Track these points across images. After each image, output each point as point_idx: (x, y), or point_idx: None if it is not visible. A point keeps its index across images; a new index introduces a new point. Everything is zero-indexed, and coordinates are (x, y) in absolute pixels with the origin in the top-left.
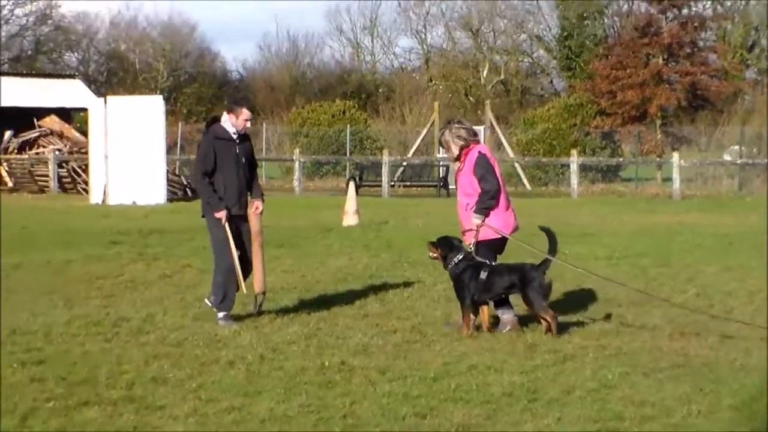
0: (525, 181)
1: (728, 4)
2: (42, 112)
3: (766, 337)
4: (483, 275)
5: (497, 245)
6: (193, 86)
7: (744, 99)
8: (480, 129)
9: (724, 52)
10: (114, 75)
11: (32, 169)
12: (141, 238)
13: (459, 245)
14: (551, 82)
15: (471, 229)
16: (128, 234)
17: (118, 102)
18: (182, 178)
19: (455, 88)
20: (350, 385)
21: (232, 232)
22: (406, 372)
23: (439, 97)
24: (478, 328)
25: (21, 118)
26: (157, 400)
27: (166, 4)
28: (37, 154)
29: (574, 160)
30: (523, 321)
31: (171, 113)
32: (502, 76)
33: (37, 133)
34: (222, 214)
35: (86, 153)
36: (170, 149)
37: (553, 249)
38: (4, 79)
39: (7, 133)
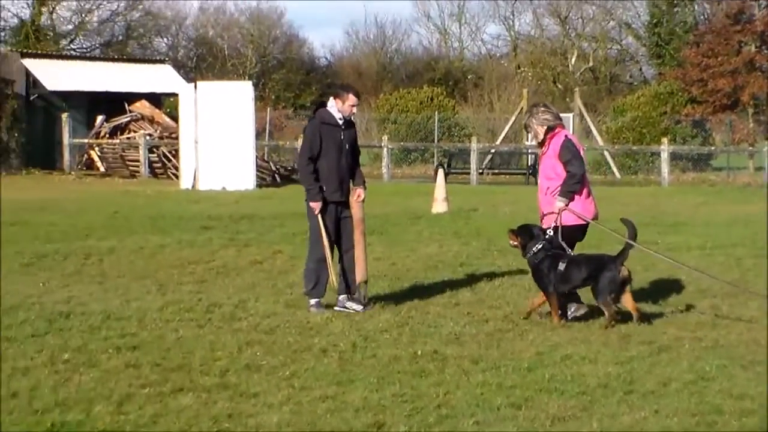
0: (614, 170)
1: None
2: (133, 97)
3: None
4: (561, 266)
5: (578, 231)
6: (281, 72)
7: None
8: (569, 116)
9: None
10: (203, 60)
11: (123, 154)
12: (232, 224)
13: (539, 234)
14: (640, 69)
15: (551, 213)
16: (219, 219)
17: (208, 87)
18: (271, 164)
19: (543, 75)
20: (443, 374)
21: (332, 220)
22: (499, 362)
23: (527, 84)
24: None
25: (112, 103)
26: (251, 388)
27: None
28: (128, 139)
29: (665, 149)
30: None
31: (259, 99)
32: (591, 64)
33: (128, 118)
34: (317, 206)
35: (176, 138)
36: (259, 135)
37: (632, 238)
38: (97, 64)
39: (99, 118)
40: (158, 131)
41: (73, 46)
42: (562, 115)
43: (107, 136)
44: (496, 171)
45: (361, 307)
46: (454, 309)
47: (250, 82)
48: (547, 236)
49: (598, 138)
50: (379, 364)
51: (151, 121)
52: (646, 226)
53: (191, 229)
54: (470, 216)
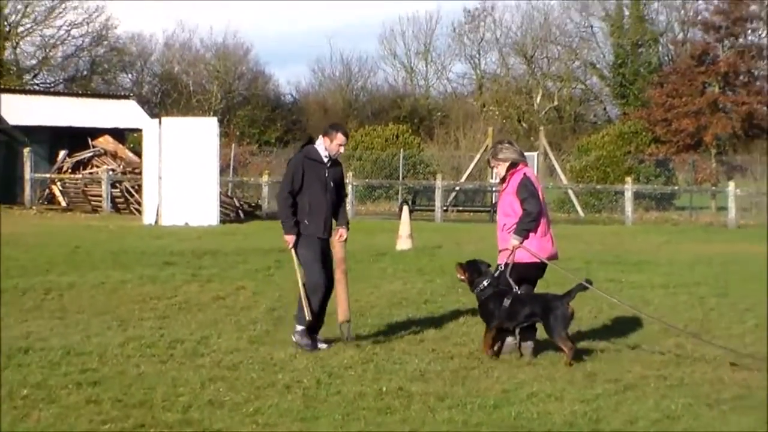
0: (578, 208)
1: None
2: (96, 132)
3: None
4: (506, 302)
5: (534, 269)
6: (246, 108)
7: None
8: (533, 155)
9: None
10: (167, 96)
11: (86, 188)
12: (194, 260)
13: (486, 270)
14: (605, 109)
15: (506, 249)
16: (181, 255)
17: (173, 123)
18: (235, 200)
19: (508, 114)
20: (409, 411)
21: (318, 254)
22: (465, 399)
23: (492, 123)
24: (498, 353)
25: (75, 138)
26: (214, 424)
27: (220, 26)
28: (90, 173)
29: (629, 188)
30: (581, 350)
31: (224, 135)
32: (556, 103)
33: (91, 153)
34: (291, 239)
35: (139, 173)
36: (223, 171)
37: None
38: (60, 98)
39: (62, 153)
40: (121, 166)
41: (36, 81)
42: (526, 153)
43: (70, 171)
44: (461, 208)
45: (327, 345)
46: (419, 346)
47: (215, 118)
48: (496, 273)
49: (562, 176)
50: (344, 400)
51: (114, 156)
52: (609, 265)
53: (153, 265)
54: (434, 253)
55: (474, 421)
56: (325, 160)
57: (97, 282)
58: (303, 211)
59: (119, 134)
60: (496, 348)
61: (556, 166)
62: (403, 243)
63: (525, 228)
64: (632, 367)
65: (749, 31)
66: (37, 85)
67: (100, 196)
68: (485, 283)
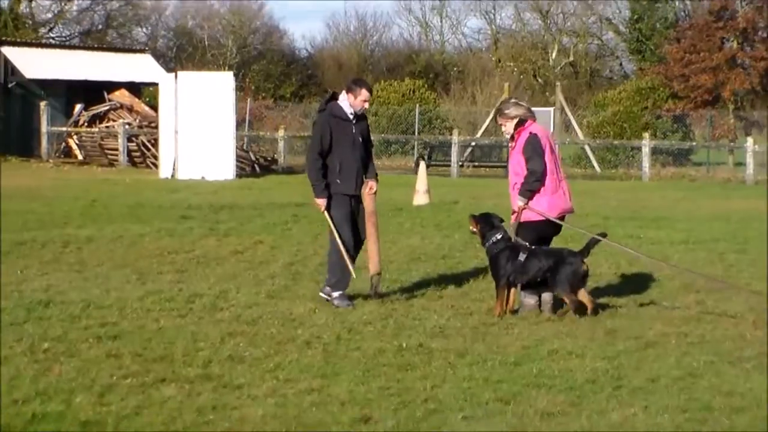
0: (595, 164)
1: None
2: (112, 86)
3: None
4: (521, 257)
5: (548, 226)
6: (261, 63)
7: None
8: (549, 110)
9: None
10: (182, 51)
11: (102, 142)
12: (211, 214)
13: (499, 224)
14: (620, 64)
15: (515, 211)
16: (199, 209)
17: (189, 77)
18: (251, 154)
19: (523, 69)
20: (429, 367)
21: (348, 212)
22: (485, 356)
23: (507, 78)
24: (515, 312)
25: (91, 92)
26: (235, 379)
27: None
28: (107, 127)
29: (646, 143)
30: (601, 305)
31: (239, 89)
32: (571, 58)
33: (107, 107)
34: (322, 202)
35: (155, 127)
36: (239, 125)
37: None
38: (76, 52)
39: (78, 107)
40: (137, 120)
41: (52, 35)
42: (542, 109)
43: (86, 124)
44: (477, 164)
45: (348, 303)
46: (438, 302)
47: (231, 73)
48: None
49: (579, 132)
50: (364, 356)
51: (131, 110)
52: (627, 221)
53: (171, 219)
54: (451, 208)
55: (495, 378)
56: (351, 116)
57: (115, 235)
58: (333, 171)
59: (135, 88)
60: (507, 308)
61: (573, 121)
62: (420, 198)
63: (529, 188)
64: (653, 324)
65: None
66: (53, 38)
67: (117, 149)
68: (497, 237)
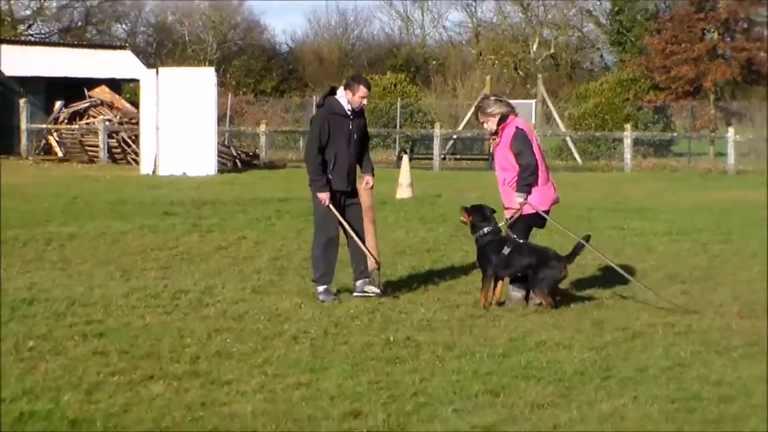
0: (576, 155)
1: None
2: (92, 83)
3: None
4: (506, 250)
5: (535, 220)
6: (241, 58)
7: None
8: (531, 103)
9: None
10: (162, 46)
11: (82, 139)
12: (194, 210)
13: (491, 216)
14: (601, 56)
15: (511, 207)
16: (181, 205)
17: (170, 73)
18: (232, 149)
19: (505, 62)
20: (418, 361)
21: (337, 208)
22: (473, 348)
23: (488, 71)
24: (501, 304)
25: (72, 89)
26: (223, 375)
27: None
28: (87, 124)
29: (628, 135)
30: (587, 298)
31: (220, 85)
32: (552, 51)
33: (88, 104)
34: (325, 197)
35: (136, 123)
36: (220, 121)
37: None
38: (56, 49)
39: (58, 104)
40: (118, 117)
41: (31, 32)
42: (523, 101)
43: (66, 121)
44: (458, 157)
45: (378, 290)
46: (424, 295)
47: (212, 69)
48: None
49: (560, 124)
50: (351, 350)
51: (111, 106)
52: (611, 212)
53: (153, 215)
54: (435, 201)
55: (484, 371)
56: (349, 112)
57: (97, 232)
58: (326, 165)
59: (115, 84)
60: (493, 300)
61: (554, 113)
62: (403, 192)
63: (526, 183)
64: (639, 314)
65: None
66: (32, 35)
67: (97, 146)
68: (486, 229)
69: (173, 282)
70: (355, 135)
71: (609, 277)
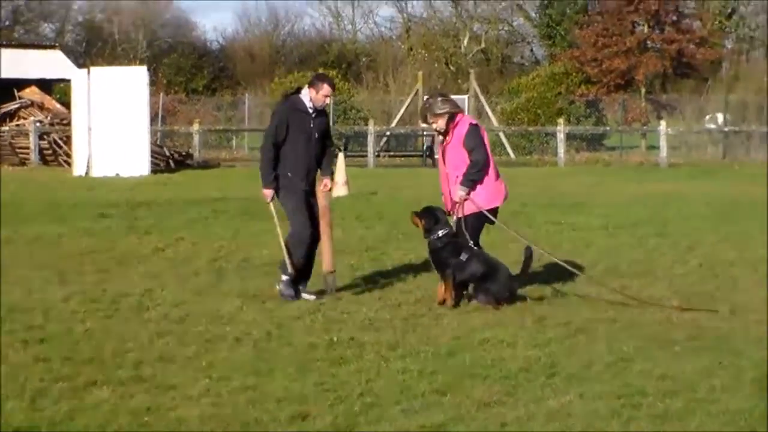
0: (509, 150)
1: None
2: (22, 84)
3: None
4: (463, 256)
5: (485, 217)
6: (172, 56)
7: (723, 67)
8: (463, 98)
9: (707, 19)
10: (92, 46)
11: (12, 141)
12: (130, 211)
13: (443, 218)
14: (531, 50)
15: (455, 202)
16: (116, 206)
17: (102, 73)
18: (165, 149)
19: (436, 57)
20: (363, 361)
21: (303, 205)
22: (417, 347)
23: (420, 66)
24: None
25: (0, 90)
26: (167, 380)
27: None
28: (17, 126)
29: (561, 129)
30: (529, 295)
31: (151, 84)
32: (483, 45)
33: (18, 105)
34: (269, 193)
35: (68, 124)
36: (152, 120)
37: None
38: None
39: None
40: (49, 118)
41: None
42: (456, 97)
43: None
44: (392, 153)
45: (313, 296)
46: (366, 294)
47: (145, 68)
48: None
49: (493, 119)
50: (296, 352)
51: (41, 107)
52: (547, 207)
53: (88, 217)
54: (371, 199)
55: (429, 370)
56: (311, 110)
57: (32, 236)
58: (286, 163)
59: (46, 85)
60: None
61: (487, 108)
62: (339, 190)
63: (472, 179)
64: (580, 310)
65: None
66: None
67: (28, 148)
68: (441, 232)
69: (112, 285)
70: (316, 134)
71: (549, 273)
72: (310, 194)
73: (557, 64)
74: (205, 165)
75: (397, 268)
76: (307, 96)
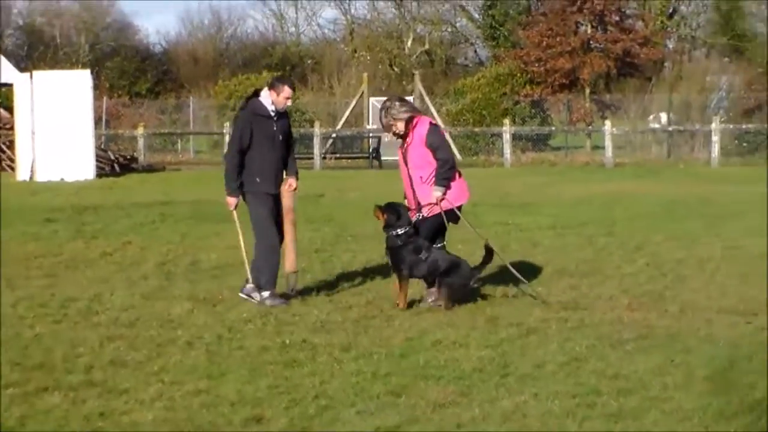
0: (455, 151)
1: None
2: None
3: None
4: (424, 255)
5: (450, 216)
6: (115, 60)
7: (666, 66)
8: (409, 99)
9: (649, 19)
10: (33, 49)
11: None
12: (76, 215)
13: (406, 216)
14: (475, 51)
15: (430, 203)
16: (62, 211)
17: (45, 77)
18: (110, 153)
19: (380, 59)
20: (316, 363)
21: (270, 211)
22: (370, 349)
23: (364, 68)
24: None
25: None
26: (119, 384)
27: None
28: None
29: (507, 130)
30: (480, 295)
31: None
32: (427, 46)
33: None
34: (232, 201)
35: (10, 129)
36: (96, 124)
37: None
38: None
39: None
40: None
41: None
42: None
43: None
44: (339, 155)
45: (281, 301)
46: (316, 296)
47: (88, 71)
48: (413, 221)
49: (438, 120)
50: (248, 355)
51: None
52: (495, 208)
53: (34, 222)
54: (318, 201)
55: (383, 371)
56: (272, 114)
57: None
58: (252, 169)
59: None
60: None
61: (432, 109)
62: None
63: (445, 177)
64: (531, 310)
65: None
66: None
67: None
68: (400, 230)
69: (60, 290)
70: (280, 136)
71: (499, 274)
72: (277, 198)
73: (502, 65)
74: (151, 169)
75: (347, 270)
76: (267, 99)
